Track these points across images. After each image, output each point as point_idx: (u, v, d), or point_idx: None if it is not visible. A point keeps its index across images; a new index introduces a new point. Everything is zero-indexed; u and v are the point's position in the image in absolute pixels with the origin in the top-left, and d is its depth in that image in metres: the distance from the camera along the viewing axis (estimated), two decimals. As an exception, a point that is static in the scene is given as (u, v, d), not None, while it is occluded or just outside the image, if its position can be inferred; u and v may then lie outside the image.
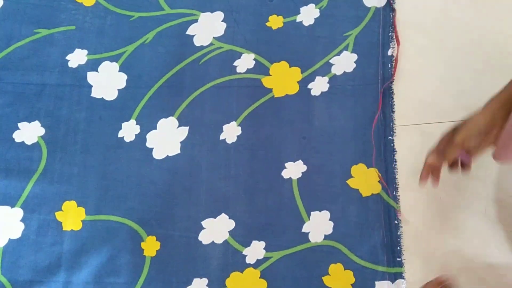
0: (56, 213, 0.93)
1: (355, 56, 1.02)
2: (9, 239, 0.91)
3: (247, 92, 1.03)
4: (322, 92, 1.00)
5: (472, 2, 1.04)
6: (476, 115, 0.72)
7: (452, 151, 0.72)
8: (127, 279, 0.91)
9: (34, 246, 0.92)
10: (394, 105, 0.99)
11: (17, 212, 0.93)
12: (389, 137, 0.97)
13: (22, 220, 0.93)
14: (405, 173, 0.96)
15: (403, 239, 0.92)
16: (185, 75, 1.03)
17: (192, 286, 0.91)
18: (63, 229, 0.92)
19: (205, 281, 0.90)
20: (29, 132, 0.98)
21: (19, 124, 0.98)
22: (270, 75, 1.02)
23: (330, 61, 1.02)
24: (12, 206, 0.93)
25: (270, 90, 1.00)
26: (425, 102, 0.98)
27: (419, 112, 0.99)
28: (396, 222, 0.93)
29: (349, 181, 0.96)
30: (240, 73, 1.02)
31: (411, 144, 0.97)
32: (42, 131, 0.97)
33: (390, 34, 1.02)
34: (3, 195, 0.94)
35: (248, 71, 1.02)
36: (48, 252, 0.92)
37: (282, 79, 1.01)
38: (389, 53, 1.01)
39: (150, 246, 0.92)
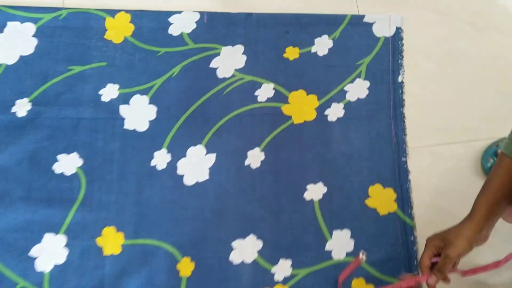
0: (96, 238, 1.00)
1: (367, 83, 1.10)
2: (55, 264, 0.98)
3: (268, 120, 1.10)
4: (338, 118, 1.08)
5: (475, 31, 1.12)
6: (465, 228, 0.80)
7: (449, 267, 0.79)
8: (166, 298, 0.96)
9: (78, 271, 0.99)
10: (405, 128, 1.06)
11: (61, 239, 1.00)
12: (402, 159, 1.05)
13: (66, 245, 1.00)
14: (419, 192, 1.03)
15: (419, 254, 0.98)
16: (210, 105, 1.10)
17: (226, 303, 0.96)
18: (104, 254, 1.00)
19: (237, 298, 0.97)
20: (68, 164, 1.05)
21: (58, 156, 1.05)
22: (289, 103, 1.10)
23: (345, 88, 1.10)
24: (56, 233, 1.00)
25: (290, 117, 1.08)
26: (434, 125, 1.06)
27: (429, 134, 1.06)
28: (412, 238, 0.99)
29: (367, 201, 1.03)
30: (261, 102, 1.10)
31: (424, 164, 1.04)
32: (80, 162, 1.05)
33: (399, 61, 1.10)
34: (47, 223, 1.00)
35: (269, 99, 1.10)
36: (91, 275, 0.99)
37: (300, 107, 1.10)
38: (399, 79, 1.09)
39: (185, 267, 0.99)
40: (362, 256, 0.89)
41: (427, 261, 0.83)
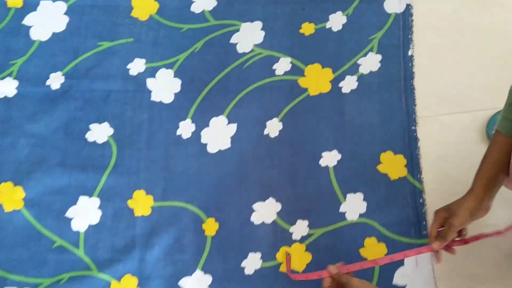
0: (128, 201, 1.08)
1: (379, 57, 1.17)
2: (89, 224, 1.07)
3: (285, 92, 1.17)
4: (351, 90, 1.15)
5: (481, 5, 1.19)
6: (466, 200, 0.89)
7: (452, 235, 0.87)
8: (192, 255, 1.06)
9: (111, 230, 1.07)
10: (415, 98, 1.13)
11: (95, 201, 1.08)
12: (412, 127, 1.12)
13: (100, 207, 1.08)
14: (428, 158, 1.10)
15: (427, 215, 1.06)
16: (231, 78, 1.17)
17: (248, 260, 1.06)
18: (135, 215, 1.08)
19: (258, 254, 1.05)
20: (99, 133, 1.13)
21: (90, 126, 1.13)
22: (305, 76, 1.17)
23: (358, 62, 1.17)
24: (90, 196, 1.08)
25: (306, 90, 1.16)
26: (442, 96, 1.13)
27: (437, 104, 1.13)
28: (421, 201, 1.07)
29: (378, 167, 1.10)
30: (278, 75, 1.17)
31: (432, 132, 1.12)
32: (111, 131, 1.13)
33: (409, 36, 1.17)
34: (81, 186, 1.08)
35: (286, 73, 1.17)
36: (123, 235, 1.07)
37: (316, 79, 1.17)
38: (409, 53, 1.16)
39: (210, 227, 1.07)
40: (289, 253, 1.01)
41: (435, 232, 0.92)
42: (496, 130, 0.86)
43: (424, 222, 1.04)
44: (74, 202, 1.07)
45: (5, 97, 1.12)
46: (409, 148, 1.12)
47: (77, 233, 1.05)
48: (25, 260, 1.04)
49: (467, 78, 1.15)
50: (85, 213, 1.07)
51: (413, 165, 1.10)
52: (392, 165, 1.11)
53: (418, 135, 1.13)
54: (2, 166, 1.09)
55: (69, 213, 1.06)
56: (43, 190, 1.08)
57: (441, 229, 0.92)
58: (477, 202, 0.87)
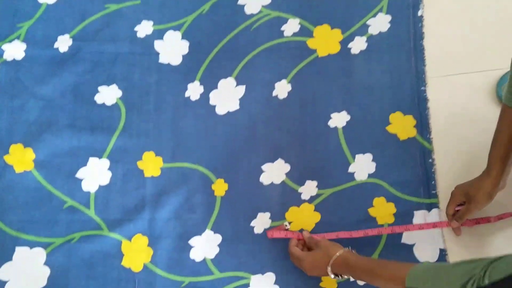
0: (137, 162, 1.09)
1: (389, 17, 1.15)
2: (99, 185, 1.08)
3: (294, 53, 1.16)
4: (361, 51, 1.14)
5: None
6: (484, 183, 0.89)
7: (467, 217, 0.95)
8: (202, 215, 1.07)
9: (121, 191, 1.08)
10: (425, 59, 1.13)
11: (105, 163, 1.09)
12: (421, 88, 1.11)
13: (109, 169, 1.09)
14: (437, 119, 1.10)
15: (436, 175, 1.06)
16: (239, 40, 1.17)
17: (257, 219, 1.06)
18: (145, 176, 1.08)
19: (267, 214, 1.06)
20: (108, 95, 1.13)
21: (99, 88, 1.13)
22: (314, 37, 1.16)
23: (367, 22, 1.16)
24: (100, 157, 1.09)
25: (315, 51, 1.15)
26: (452, 56, 1.12)
27: (447, 64, 1.12)
28: (430, 160, 1.07)
29: (388, 127, 1.10)
30: (287, 37, 1.16)
31: (442, 92, 1.12)
32: (119, 93, 1.13)
33: (419, -4, 1.15)
34: (91, 148, 1.09)
35: (294, 34, 1.16)
36: (133, 195, 1.08)
37: (325, 40, 1.16)
38: (419, 13, 1.15)
39: (219, 187, 1.08)
40: (287, 224, 1.04)
41: (452, 211, 0.97)
42: (503, 105, 0.86)
43: (433, 182, 1.05)
44: (84, 163, 1.08)
45: (14, 59, 1.12)
46: (418, 108, 1.11)
47: (88, 193, 1.05)
48: (37, 220, 1.04)
49: (476, 38, 1.14)
50: (95, 174, 1.08)
51: (423, 126, 1.10)
52: (401, 125, 1.10)
53: (427, 95, 1.12)
54: (12, 128, 1.09)
55: (79, 174, 1.07)
56: (53, 152, 1.08)
57: (457, 208, 0.96)
58: (495, 184, 0.88)
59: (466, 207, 0.94)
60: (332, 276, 0.90)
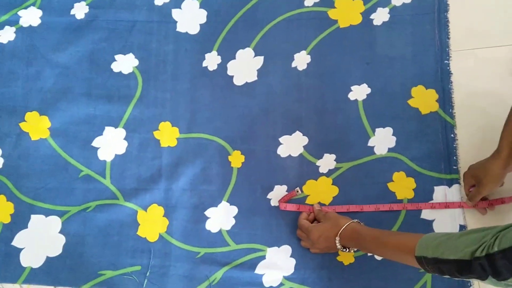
0: (154, 132, 1.08)
1: (413, -12, 1.11)
2: (116, 154, 1.06)
3: (314, 24, 1.13)
4: (383, 22, 1.11)
5: None
6: (493, 165, 0.88)
7: (478, 198, 0.94)
8: (218, 186, 1.06)
9: (137, 160, 1.07)
10: (449, 32, 1.09)
11: (121, 132, 1.08)
12: (445, 61, 1.08)
13: (126, 138, 1.08)
14: (460, 93, 1.07)
15: (458, 150, 1.03)
16: (258, 10, 1.14)
17: (274, 192, 1.05)
18: (161, 146, 1.07)
19: (284, 187, 1.04)
20: (125, 63, 1.12)
21: (116, 56, 1.12)
22: (335, 8, 1.13)
23: (390, -7, 1.11)
24: (116, 126, 1.08)
25: (336, 22, 1.12)
26: (476, 30, 1.09)
27: (472, 38, 1.09)
28: (452, 135, 1.04)
29: (409, 101, 1.08)
30: (307, 7, 1.14)
31: (465, 66, 1.08)
32: (136, 62, 1.11)
33: (444, -33, 1.11)
34: (107, 117, 1.08)
35: (315, 4, 1.13)
36: (149, 165, 1.07)
37: (347, 11, 1.13)
38: (444, -15, 1.11)
39: (236, 159, 1.06)
40: (298, 189, 1.01)
41: (467, 192, 0.96)
42: None
43: (454, 157, 1.03)
44: (100, 132, 1.07)
45: (30, 26, 1.11)
46: (441, 82, 1.09)
47: (104, 162, 1.04)
48: (52, 188, 1.04)
49: (502, 11, 1.10)
50: (111, 143, 1.07)
51: (445, 100, 1.07)
52: (423, 99, 1.08)
53: (451, 69, 1.09)
54: (28, 95, 1.09)
55: (95, 143, 1.06)
56: (69, 120, 1.08)
57: (472, 189, 0.95)
58: (503, 166, 0.87)
59: (476, 190, 0.94)
60: (340, 247, 0.90)
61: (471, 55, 1.09)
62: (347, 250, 0.91)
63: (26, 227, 1.01)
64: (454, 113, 1.07)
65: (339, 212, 0.98)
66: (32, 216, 1.02)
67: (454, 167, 1.04)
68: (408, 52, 1.10)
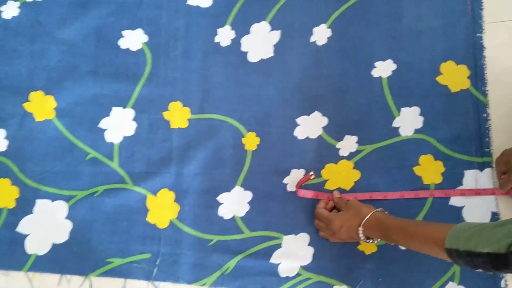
0: (163, 113, 1.01)
1: (443, -45, 1.01)
2: (124, 136, 1.01)
3: (335, -5, 1.02)
4: (410, -8, 1.01)
5: None
6: None
7: (510, 186, 0.89)
8: (232, 170, 1.00)
9: (146, 142, 1.01)
10: (482, 2, 1.00)
11: (129, 112, 1.02)
12: (477, 34, 0.99)
13: (134, 119, 1.02)
14: (494, 69, 0.99)
15: (491, 131, 0.95)
16: (275, -20, 1.04)
17: (291, 176, 0.98)
18: (171, 127, 1.01)
19: (302, 171, 0.98)
20: (133, 39, 1.05)
21: (123, 32, 1.05)
22: (358, -23, 1.02)
23: (418, -40, 1.02)
24: (124, 107, 1.02)
25: (358, -8, 1.02)
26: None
27: (507, 9, 1.01)
28: (484, 115, 0.96)
29: (438, 78, 1.00)
30: (328, -24, 1.03)
31: (500, 40, 1.00)
32: (145, 38, 1.04)
33: None
34: (115, 97, 1.02)
35: (336, -27, 1.03)
36: (159, 147, 1.01)
37: (370, -20, 1.02)
38: (478, -49, 1.01)
39: (250, 141, 1.00)
40: (312, 173, 0.96)
41: (499, 179, 0.91)
42: None
43: (486, 139, 0.95)
44: (107, 113, 1.02)
45: (34, 0, 1.04)
46: (473, 57, 1.01)
47: (111, 144, 0.99)
48: (58, 172, 0.99)
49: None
50: (119, 124, 1.02)
51: (477, 76, 1.00)
52: (453, 76, 1.00)
53: (484, 43, 1.01)
54: (32, 74, 1.04)
55: (102, 124, 1.01)
56: (75, 100, 1.03)
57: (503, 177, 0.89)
58: None
59: (507, 177, 0.87)
60: (363, 238, 0.84)
61: (506, 28, 1.01)
62: (371, 241, 0.84)
63: (31, 212, 0.97)
64: (487, 91, 0.99)
65: (361, 200, 0.91)
66: (38, 201, 0.98)
67: (486, 150, 0.97)
68: (437, 25, 1.02)
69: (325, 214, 0.88)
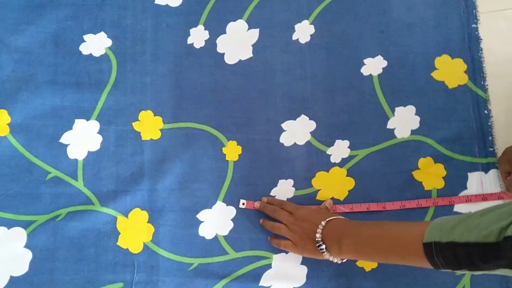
0: (133, 123, 0.91)
1: None
2: (88, 151, 0.90)
3: (317, -12, 0.94)
4: (398, -18, 0.93)
5: None
6: None
7: None
8: (212, 184, 0.90)
9: (114, 157, 0.91)
10: (476, -10, 0.92)
11: (94, 125, 0.91)
12: (472, 25, 0.92)
13: (99, 132, 0.91)
14: (492, 62, 0.92)
15: (494, 129, 0.87)
16: (250, -25, 0.95)
17: (278, 187, 0.89)
18: (142, 139, 0.90)
19: (290, 182, 0.89)
20: (95, 44, 0.95)
21: (85, 37, 0.96)
22: (341, -32, 0.94)
23: (405, -51, 0.94)
24: (88, 119, 0.91)
25: (342, -16, 0.94)
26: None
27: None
28: (486, 112, 0.88)
29: (433, 74, 0.93)
30: (308, -32, 0.95)
31: (497, 30, 0.93)
32: (109, 42, 0.95)
33: None
34: (77, 108, 0.92)
35: (317, -35, 0.95)
36: (129, 162, 0.91)
37: (354, -29, 0.94)
38: None
39: (232, 151, 0.91)
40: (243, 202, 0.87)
41: (505, 181, 0.83)
42: None
43: (490, 137, 0.88)
44: (69, 126, 0.91)
45: (-19, 4, 0.91)
46: (469, 50, 0.93)
47: (75, 161, 0.87)
48: (15, 195, 0.89)
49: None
50: (82, 138, 0.91)
51: (475, 70, 0.92)
52: (449, 71, 0.92)
53: (480, 34, 0.94)
54: (-18, 86, 0.88)
55: (64, 139, 0.90)
56: (32, 114, 0.92)
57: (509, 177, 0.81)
58: None
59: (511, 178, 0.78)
60: (320, 241, 0.74)
61: (503, 17, 0.94)
62: (335, 259, 0.76)
63: (-16, 242, 0.82)
64: (487, 85, 0.92)
65: (357, 213, 0.84)
66: (-8, 228, 0.83)
67: (491, 149, 0.89)
68: (430, 16, 0.95)
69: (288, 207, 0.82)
